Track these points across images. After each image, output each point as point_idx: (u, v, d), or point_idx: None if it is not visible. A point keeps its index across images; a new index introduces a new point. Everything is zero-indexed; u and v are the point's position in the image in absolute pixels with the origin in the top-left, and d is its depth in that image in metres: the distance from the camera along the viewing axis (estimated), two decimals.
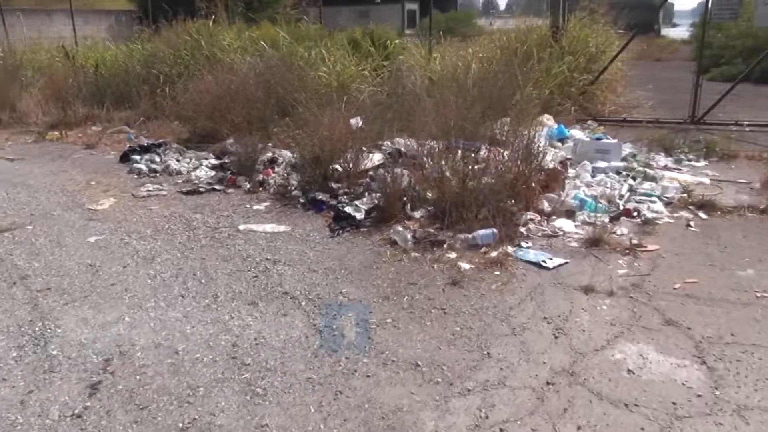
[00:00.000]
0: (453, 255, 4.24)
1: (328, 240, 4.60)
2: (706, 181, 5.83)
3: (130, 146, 7.43)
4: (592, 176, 5.64)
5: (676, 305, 3.42)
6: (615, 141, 6.39)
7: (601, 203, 5.01)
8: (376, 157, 5.89)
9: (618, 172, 5.83)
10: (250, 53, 8.76)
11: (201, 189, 5.79)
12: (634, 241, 4.35)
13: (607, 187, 5.35)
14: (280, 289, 3.75)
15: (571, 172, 5.67)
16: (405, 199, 5.08)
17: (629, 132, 8.10)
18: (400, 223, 4.87)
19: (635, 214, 4.89)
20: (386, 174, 5.13)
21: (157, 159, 6.87)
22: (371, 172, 5.74)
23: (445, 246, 4.40)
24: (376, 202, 5.01)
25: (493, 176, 4.85)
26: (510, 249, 4.29)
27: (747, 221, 4.73)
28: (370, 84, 8.28)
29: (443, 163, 4.91)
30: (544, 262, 4.04)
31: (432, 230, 4.55)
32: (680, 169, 6.24)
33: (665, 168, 6.21)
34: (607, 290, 3.63)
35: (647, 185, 5.48)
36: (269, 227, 4.84)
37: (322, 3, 11.77)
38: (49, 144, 8.39)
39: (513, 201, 4.88)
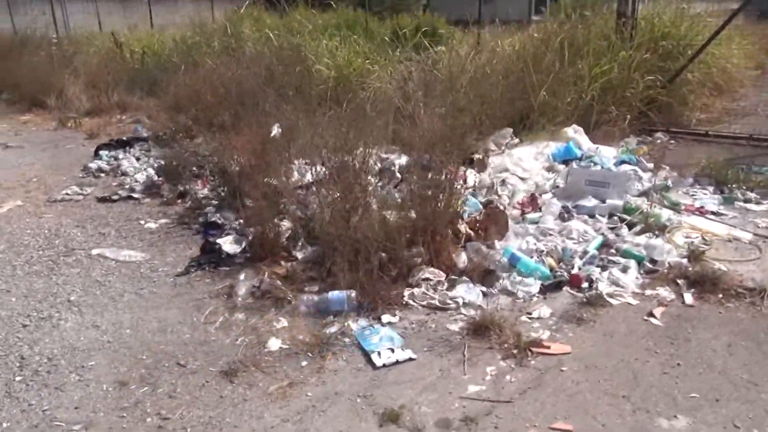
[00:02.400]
0: (284, 323, 3.16)
1: (171, 279, 3.71)
2: (746, 236, 4.05)
3: (110, 140, 7.04)
4: (564, 219, 4.12)
5: None
6: (617, 171, 4.73)
7: (544, 263, 3.57)
8: (309, 176, 4.84)
9: (612, 215, 4.24)
10: (261, 43, 8.02)
11: (114, 197, 5.16)
12: (539, 335, 2.94)
13: (572, 238, 3.85)
14: (28, 351, 2.95)
15: (553, 208, 4.19)
16: (291, 233, 4.01)
17: (701, 150, 6.22)
18: (276, 264, 3.83)
19: (586, 284, 3.40)
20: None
21: (121, 156, 6.38)
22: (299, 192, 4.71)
23: (287, 307, 3.31)
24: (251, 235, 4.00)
25: (388, 214, 3.62)
26: (355, 325, 3.09)
27: (755, 318, 3.06)
28: (382, 80, 7.13)
29: (323, 191, 3.77)
30: (378, 354, 2.81)
31: (279, 283, 3.46)
32: (724, 214, 4.46)
33: (699, 211, 4.46)
34: (417, 426, 2.35)
35: (640, 239, 3.87)
36: (124, 254, 4.07)
37: None
38: (63, 131, 8.33)
39: (419, 249, 3.61)
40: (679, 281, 3.43)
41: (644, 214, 4.16)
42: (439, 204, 3.67)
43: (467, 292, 3.33)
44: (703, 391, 2.50)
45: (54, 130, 8.54)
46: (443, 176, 3.69)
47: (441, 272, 3.52)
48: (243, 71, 6.72)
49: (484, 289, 3.42)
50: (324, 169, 3.82)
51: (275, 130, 4.74)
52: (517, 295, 3.34)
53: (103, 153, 6.52)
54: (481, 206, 4.14)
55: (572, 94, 6.34)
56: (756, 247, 3.89)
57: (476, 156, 5.01)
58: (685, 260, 3.64)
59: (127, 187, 5.48)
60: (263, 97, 6.01)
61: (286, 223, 4.13)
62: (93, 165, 6.11)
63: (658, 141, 6.77)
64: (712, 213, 4.47)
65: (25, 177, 6.03)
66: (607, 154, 5.62)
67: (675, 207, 4.50)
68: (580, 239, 3.85)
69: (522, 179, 4.74)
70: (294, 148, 4.58)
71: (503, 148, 5.50)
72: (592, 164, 5.11)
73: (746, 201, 4.68)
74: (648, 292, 3.35)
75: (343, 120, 5.33)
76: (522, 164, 4.88)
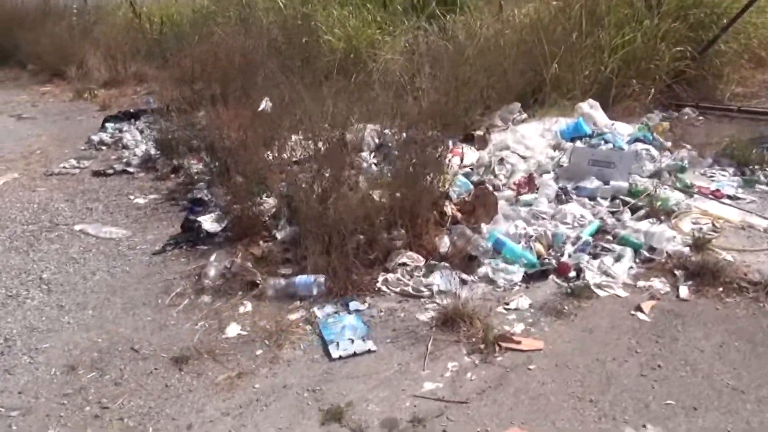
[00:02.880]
0: (248, 308, 3.04)
1: (147, 258, 3.63)
2: (763, 223, 3.72)
3: (117, 112, 7.00)
4: (561, 201, 3.86)
5: None
6: (625, 150, 4.39)
7: (531, 249, 3.34)
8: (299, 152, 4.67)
9: (615, 197, 3.95)
10: (273, 12, 7.81)
11: (109, 171, 5.11)
12: (511, 329, 2.74)
13: (566, 223, 3.59)
14: None
15: (548, 190, 3.93)
16: (275, 211, 3.87)
17: (730, 128, 5.81)
18: (255, 244, 3.70)
19: (574, 273, 3.16)
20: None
21: (125, 129, 6.33)
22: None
23: (254, 290, 3.19)
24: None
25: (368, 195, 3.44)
26: (321, 312, 2.94)
27: (755, 316, 2.79)
28: (393, 51, 6.84)
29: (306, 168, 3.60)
30: (336, 345, 2.66)
31: (250, 265, 3.33)
32: (741, 198, 4.11)
33: (714, 194, 4.13)
34: (360, 426, 2.20)
35: (642, 225, 3.59)
36: (105, 231, 4.01)
37: None
38: (78, 103, 8.35)
39: (399, 232, 3.43)
40: (676, 272, 3.15)
41: (650, 198, 3.85)
42: (424, 183, 3.45)
43: (443, 279, 3.13)
44: (680, 397, 2.27)
45: (70, 101, 8.57)
46: (429, 152, 3.47)
47: (420, 257, 3.33)
48: (250, 42, 6.55)
49: (465, 276, 3.21)
50: (312, 144, 3.63)
51: (264, 104, 4.56)
52: (498, 284, 3.13)
53: (109, 125, 6.47)
54: (472, 186, 3.90)
55: (590, 66, 5.95)
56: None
57: (477, 132, 4.74)
58: (687, 249, 3.34)
59: (124, 161, 5.41)
60: (265, 70, 5.86)
61: (270, 201, 3.99)
62: (95, 138, 6.08)
63: (685, 117, 6.35)
64: (729, 197, 4.13)
65: (30, 149, 6.04)
66: (623, 131, 5.27)
67: (688, 190, 4.17)
68: (575, 224, 3.59)
69: (523, 158, 4.47)
70: (287, 122, 4.40)
71: (510, 123, 5.21)
72: (603, 142, 4.79)
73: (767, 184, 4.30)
74: (641, 283, 3.10)
75: (341, 94, 5.15)
76: (525, 141, 4.60)
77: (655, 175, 4.41)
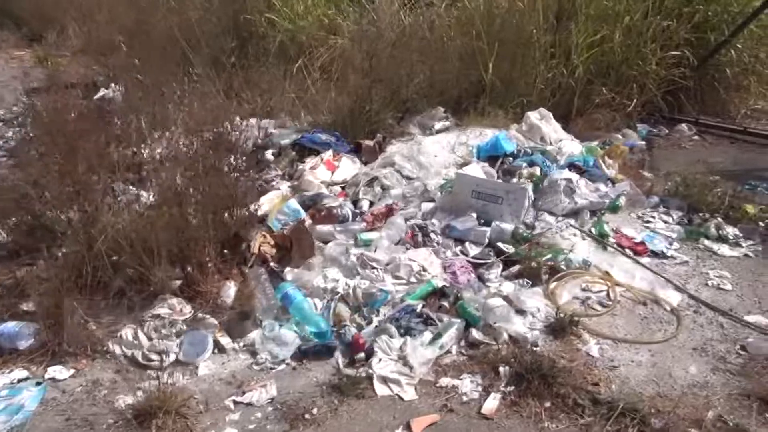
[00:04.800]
0: None
1: None
2: (675, 298, 2.78)
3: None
4: (417, 244, 3.00)
5: None
6: (520, 186, 3.44)
7: (330, 311, 2.53)
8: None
9: (492, 244, 3.06)
10: None
11: None
12: None
13: (399, 277, 2.75)
14: None
15: (392, 229, 3.08)
16: None
17: (724, 153, 4.79)
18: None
19: (363, 354, 2.34)
20: None
21: None
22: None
23: None
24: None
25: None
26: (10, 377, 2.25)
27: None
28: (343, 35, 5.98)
29: None
30: None
31: None
32: (670, 257, 3.15)
33: (635, 248, 3.18)
34: None
35: (506, 287, 2.72)
36: None
37: None
38: (36, 69, 7.90)
39: (174, 270, 2.68)
40: (500, 369, 2.27)
41: (535, 249, 2.94)
42: (216, 209, 2.69)
43: (190, 344, 2.37)
44: None
45: (30, 67, 8.14)
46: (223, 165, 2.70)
47: (186, 307, 2.57)
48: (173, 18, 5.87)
49: (227, 341, 2.44)
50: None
51: (102, 92, 3.86)
52: (259, 359, 2.34)
53: None
54: (303, 215, 3.09)
55: (553, 68, 4.95)
56: (676, 319, 2.61)
57: (365, 142, 3.90)
58: (535, 333, 2.45)
59: None
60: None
61: None
62: None
63: (677, 135, 5.29)
64: (654, 253, 3.16)
65: None
66: (573, 150, 4.30)
67: (601, 239, 3.22)
68: (412, 279, 2.73)
69: (409, 179, 3.60)
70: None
71: (429, 132, 4.32)
72: (525, 165, 3.85)
73: (719, 239, 3.30)
74: (445, 381, 2.24)
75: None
76: (420, 158, 3.73)
77: (574, 214, 3.47)
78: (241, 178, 2.74)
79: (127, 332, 2.45)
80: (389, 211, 3.16)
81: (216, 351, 2.43)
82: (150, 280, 2.64)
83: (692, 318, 2.65)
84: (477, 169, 3.44)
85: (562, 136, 4.57)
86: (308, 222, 2.97)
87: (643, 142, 4.93)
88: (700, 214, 3.50)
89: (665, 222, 3.50)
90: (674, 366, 2.34)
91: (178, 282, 2.68)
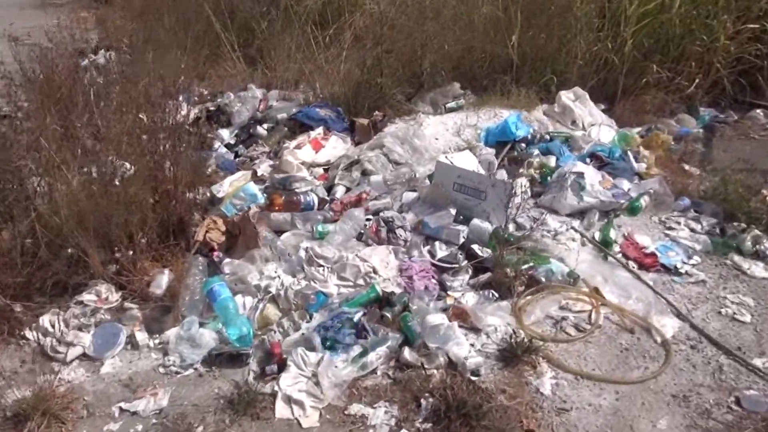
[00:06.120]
0: None
1: None
2: (672, 327, 2.32)
3: None
4: (381, 241, 2.69)
5: None
6: (504, 180, 2.98)
7: (257, 312, 2.30)
8: None
9: (466, 245, 2.70)
10: None
11: None
12: None
13: (346, 278, 2.46)
14: None
15: (348, 223, 2.77)
16: None
17: None
18: None
19: (275, 367, 2.10)
20: None
21: None
22: None
23: None
24: None
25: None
26: None
27: None
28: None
29: None
30: None
31: None
32: (685, 275, 2.66)
33: (643, 261, 2.72)
34: None
35: (469, 297, 2.38)
36: None
37: None
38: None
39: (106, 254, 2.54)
40: (423, 401, 1.95)
41: (502, 256, 2.55)
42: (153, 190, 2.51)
43: (98, 337, 2.22)
44: None
45: (87, 29, 8.34)
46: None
47: (113, 295, 2.42)
48: None
49: (146, 337, 2.27)
50: None
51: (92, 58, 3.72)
52: (166, 362, 2.15)
53: None
54: (260, 200, 2.84)
55: (596, 42, 4.37)
56: (665, 354, 2.16)
57: (359, 120, 3.57)
58: (478, 359, 2.09)
59: None
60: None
61: None
62: None
63: (748, 122, 4.58)
64: (665, 267, 2.67)
65: None
66: (604, 138, 3.80)
67: (604, 247, 2.77)
68: (359, 281, 2.44)
69: (397, 164, 3.26)
70: None
71: (440, 110, 3.94)
72: (535, 152, 3.41)
73: (754, 255, 2.74)
74: (356, 409, 1.95)
75: None
76: (414, 141, 3.37)
77: (581, 214, 3.02)
78: (178, 156, 2.51)
79: (44, 319, 2.32)
80: (359, 201, 2.84)
81: (129, 347, 2.24)
82: (87, 263, 2.49)
83: (686, 355, 2.19)
84: (467, 157, 3.03)
85: (597, 120, 4.04)
86: (259, 210, 2.71)
87: (701, 130, 4.27)
88: (736, 224, 2.92)
89: (692, 230, 2.96)
90: (640, 417, 1.92)
91: (114, 267, 2.52)
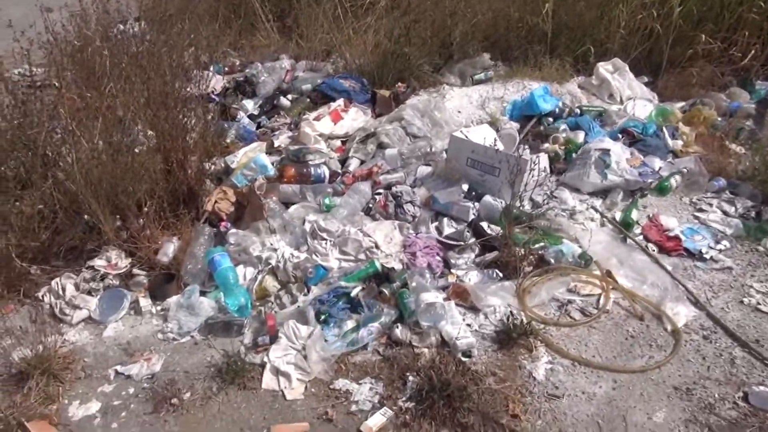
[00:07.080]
0: None
1: None
2: (686, 314, 2.20)
3: None
4: (389, 216, 2.65)
5: None
6: (518, 155, 2.83)
7: (255, 283, 2.33)
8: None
9: (474, 222, 2.63)
10: None
11: None
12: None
13: (347, 253, 2.45)
14: None
15: (353, 197, 2.74)
16: None
17: None
18: None
19: (267, 338, 2.12)
20: None
21: None
22: None
23: None
24: None
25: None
26: None
27: None
28: None
29: None
30: None
31: None
32: (710, 261, 2.51)
33: (665, 244, 2.58)
34: None
35: (472, 275, 2.33)
36: None
37: None
38: None
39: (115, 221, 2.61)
40: (409, 378, 1.92)
41: (510, 235, 2.46)
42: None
43: (104, 301, 2.29)
44: None
45: None
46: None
47: (123, 261, 2.49)
48: None
49: (146, 304, 2.33)
50: None
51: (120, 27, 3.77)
52: (164, 328, 2.20)
53: None
54: (271, 171, 2.84)
55: (640, 10, 4.12)
56: (673, 344, 2.05)
57: (381, 92, 3.50)
58: (470, 340, 2.04)
59: None
60: None
61: None
62: None
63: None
64: (689, 252, 2.53)
65: None
66: (640, 113, 3.61)
67: (625, 228, 2.64)
68: (360, 255, 2.41)
69: (415, 137, 3.19)
70: None
71: (468, 82, 3.82)
72: (562, 127, 3.27)
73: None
74: (340, 383, 1.95)
75: None
76: (435, 114, 3.28)
77: (604, 193, 2.89)
78: (194, 126, 2.52)
79: (57, 282, 2.40)
80: (370, 173, 2.80)
81: (132, 312, 2.30)
82: (101, 230, 2.56)
83: (697, 345, 2.06)
84: (486, 131, 2.92)
85: (637, 94, 3.82)
86: (266, 182, 2.71)
87: (754, 106, 3.97)
88: None
89: (724, 212, 2.77)
90: (636, 407, 1.82)
91: (126, 234, 2.58)
